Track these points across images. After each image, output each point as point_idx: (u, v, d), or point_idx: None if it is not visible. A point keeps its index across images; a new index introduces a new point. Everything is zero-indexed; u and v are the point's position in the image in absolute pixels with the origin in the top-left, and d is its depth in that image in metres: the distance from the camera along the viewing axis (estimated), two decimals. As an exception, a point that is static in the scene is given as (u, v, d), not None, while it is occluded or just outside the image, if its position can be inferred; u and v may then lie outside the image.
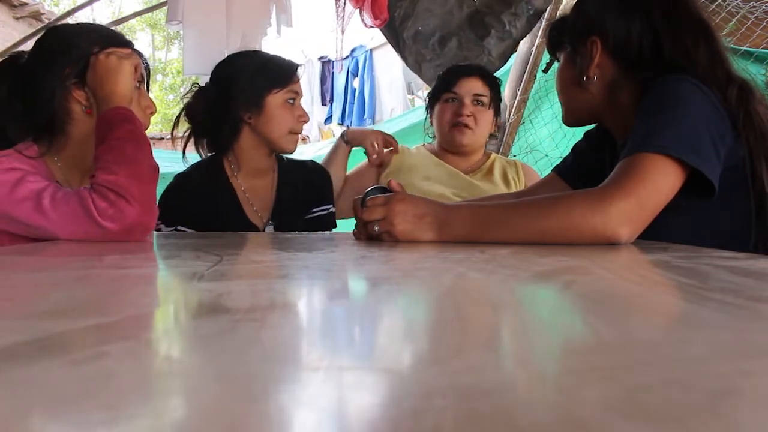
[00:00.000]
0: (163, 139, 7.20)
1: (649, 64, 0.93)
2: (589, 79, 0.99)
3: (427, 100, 1.70)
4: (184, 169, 1.40)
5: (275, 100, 1.29)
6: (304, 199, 1.40)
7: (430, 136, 1.70)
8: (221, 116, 1.30)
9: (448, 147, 1.60)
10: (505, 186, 1.59)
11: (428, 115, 1.68)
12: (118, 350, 0.24)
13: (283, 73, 1.31)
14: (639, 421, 0.16)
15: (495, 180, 1.60)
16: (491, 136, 1.68)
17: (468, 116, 1.53)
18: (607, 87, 0.99)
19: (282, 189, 1.39)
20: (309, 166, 1.48)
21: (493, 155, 1.69)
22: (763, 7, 3.02)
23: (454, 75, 1.60)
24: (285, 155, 1.43)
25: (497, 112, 1.64)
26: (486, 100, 1.57)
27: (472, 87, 1.56)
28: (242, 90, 1.29)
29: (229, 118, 1.30)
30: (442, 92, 1.59)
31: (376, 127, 1.80)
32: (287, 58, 1.39)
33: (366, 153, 1.57)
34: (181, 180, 1.36)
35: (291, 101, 1.31)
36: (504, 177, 1.62)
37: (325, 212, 1.42)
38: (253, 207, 1.35)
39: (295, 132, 1.32)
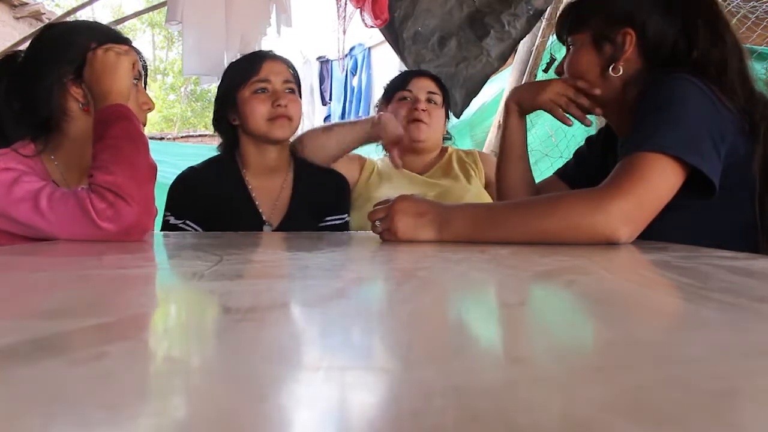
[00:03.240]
0: (163, 138, 7.21)
1: (673, 65, 0.92)
2: (614, 71, 0.97)
3: (378, 105, 1.68)
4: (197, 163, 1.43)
5: (243, 95, 1.31)
6: (319, 206, 1.39)
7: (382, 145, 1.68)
8: (219, 124, 1.39)
9: (406, 145, 1.59)
10: (465, 178, 1.59)
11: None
12: (118, 350, 0.24)
13: (244, 69, 1.33)
14: (639, 421, 0.16)
15: (454, 173, 1.60)
16: (444, 138, 1.68)
17: (423, 111, 1.55)
18: (624, 82, 0.97)
19: (296, 193, 1.38)
20: (327, 172, 1.45)
21: (451, 149, 1.69)
22: (763, 7, 3.02)
23: (406, 75, 1.64)
24: (305, 159, 1.44)
25: (447, 115, 1.66)
26: (438, 99, 1.60)
27: (425, 85, 1.59)
28: (220, 97, 1.37)
29: (223, 125, 1.37)
30: (395, 91, 1.60)
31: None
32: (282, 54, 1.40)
33: (386, 150, 1.55)
34: (191, 173, 1.38)
35: (260, 91, 1.31)
36: (463, 169, 1.62)
37: (340, 221, 1.41)
38: (258, 207, 1.35)
39: (276, 117, 1.30)
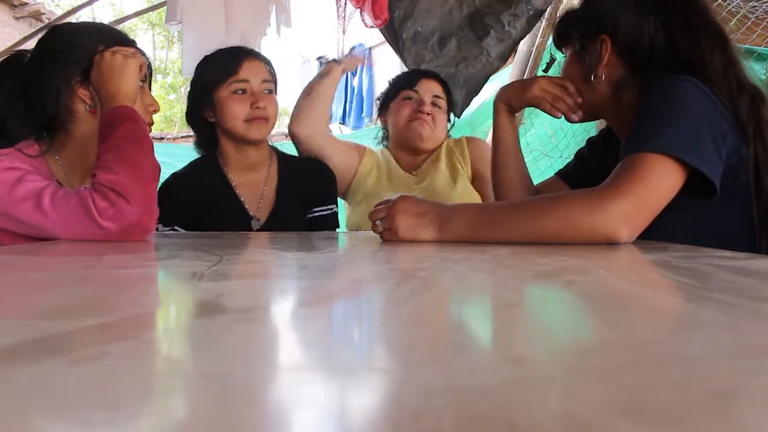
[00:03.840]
0: (163, 138, 7.20)
1: (657, 65, 0.92)
2: (597, 78, 0.99)
3: (380, 100, 1.67)
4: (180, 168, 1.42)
5: (221, 95, 1.30)
6: (306, 197, 1.38)
7: (379, 141, 1.69)
8: (193, 120, 1.38)
9: (404, 142, 1.59)
10: (452, 178, 1.58)
11: (380, 115, 1.67)
12: (119, 350, 0.24)
13: (222, 68, 1.31)
14: (639, 421, 0.16)
15: (440, 167, 1.59)
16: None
17: (428, 114, 1.54)
18: (612, 86, 0.99)
19: (281, 186, 1.38)
20: (312, 162, 1.45)
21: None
22: (763, 7, 3.02)
23: (414, 75, 1.62)
24: (286, 151, 1.44)
25: (449, 119, 1.66)
26: (443, 103, 1.59)
27: (432, 88, 1.58)
28: (196, 93, 1.35)
29: (198, 121, 1.36)
30: (401, 90, 1.58)
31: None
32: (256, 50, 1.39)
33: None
34: (175, 178, 1.37)
35: (239, 92, 1.30)
36: (450, 161, 1.61)
37: (328, 212, 1.41)
38: (244, 203, 1.35)
39: (253, 119, 1.29)
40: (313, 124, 1.47)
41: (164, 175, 1.29)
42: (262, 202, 1.36)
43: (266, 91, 1.32)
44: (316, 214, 1.39)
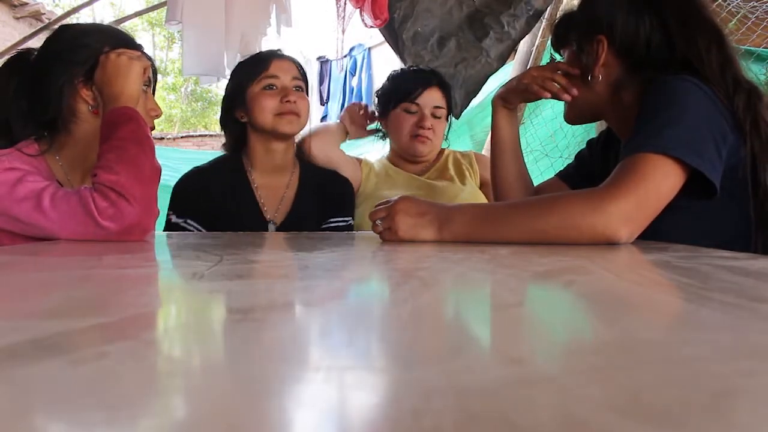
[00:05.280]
0: (163, 138, 7.20)
1: (655, 64, 0.93)
2: (594, 78, 0.99)
3: (379, 99, 1.66)
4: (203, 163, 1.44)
5: (252, 92, 1.33)
6: (323, 207, 1.40)
7: (380, 138, 1.70)
8: (226, 120, 1.41)
9: (406, 156, 1.62)
10: (459, 179, 1.61)
11: (380, 118, 1.67)
12: (119, 350, 0.24)
13: (253, 65, 1.35)
14: (639, 421, 0.16)
15: (450, 174, 1.62)
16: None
17: (429, 129, 1.54)
18: (611, 86, 0.99)
19: (301, 192, 1.39)
20: (332, 174, 1.48)
21: (447, 150, 1.70)
22: (763, 7, 3.02)
23: (416, 85, 1.58)
24: (311, 162, 1.47)
25: (449, 120, 1.68)
26: (443, 112, 1.59)
27: (432, 99, 1.57)
28: (229, 93, 1.39)
29: (230, 121, 1.39)
30: (402, 101, 1.57)
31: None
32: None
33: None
34: (196, 173, 1.39)
35: (269, 88, 1.33)
36: (458, 169, 1.64)
37: (344, 224, 1.42)
38: (263, 205, 1.36)
39: (283, 113, 1.31)
40: (319, 152, 1.51)
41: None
42: (280, 206, 1.37)
43: (296, 89, 1.35)
44: (332, 224, 1.41)
